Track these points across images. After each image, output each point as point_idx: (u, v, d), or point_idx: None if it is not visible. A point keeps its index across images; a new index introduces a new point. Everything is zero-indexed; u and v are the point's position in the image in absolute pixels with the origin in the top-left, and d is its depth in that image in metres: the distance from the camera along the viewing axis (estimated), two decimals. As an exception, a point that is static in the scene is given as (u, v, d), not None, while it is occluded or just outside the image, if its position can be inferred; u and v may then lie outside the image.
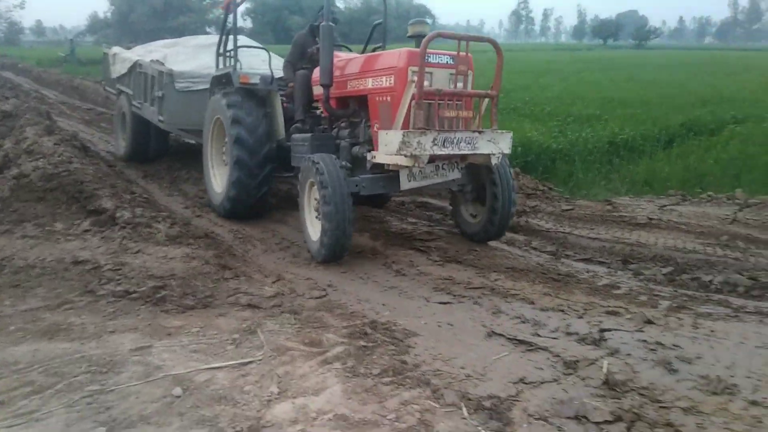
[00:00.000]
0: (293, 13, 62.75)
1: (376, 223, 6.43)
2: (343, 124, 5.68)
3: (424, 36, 4.72)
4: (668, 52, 49.50)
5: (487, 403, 2.54)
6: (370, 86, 4.96)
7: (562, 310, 3.75)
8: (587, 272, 4.75)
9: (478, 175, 5.37)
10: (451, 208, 6.00)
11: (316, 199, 4.93)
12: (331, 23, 5.32)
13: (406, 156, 4.31)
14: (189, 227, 6.16)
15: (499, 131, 4.70)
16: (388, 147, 4.46)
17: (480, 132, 4.57)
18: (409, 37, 5.11)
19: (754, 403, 2.55)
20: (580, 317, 3.62)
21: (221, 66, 7.10)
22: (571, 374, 2.83)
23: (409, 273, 4.68)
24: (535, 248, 5.57)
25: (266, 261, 5.09)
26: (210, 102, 6.86)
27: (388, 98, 4.73)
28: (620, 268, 4.89)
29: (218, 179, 6.83)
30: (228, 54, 6.92)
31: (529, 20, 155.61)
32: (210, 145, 6.96)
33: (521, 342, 3.22)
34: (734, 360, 2.98)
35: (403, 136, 4.26)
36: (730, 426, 2.37)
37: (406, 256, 5.13)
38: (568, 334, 3.34)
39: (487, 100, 4.80)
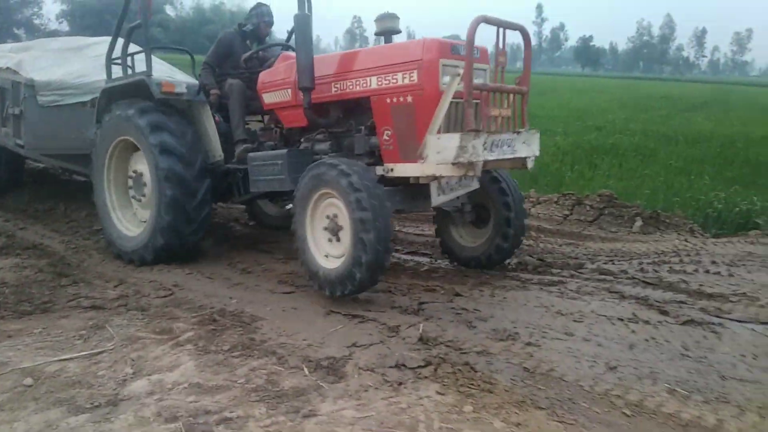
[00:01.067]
0: (117, 17, 58.28)
1: (220, 228, 6.63)
2: (319, 137, 4.67)
3: (395, 33, 4.48)
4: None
5: (324, 363, 3.00)
6: (374, 86, 4.07)
7: (390, 291, 4.34)
8: (413, 262, 5.45)
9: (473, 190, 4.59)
10: (436, 234, 5.22)
11: (328, 217, 3.97)
12: (307, 12, 4.32)
13: (462, 164, 3.59)
14: (14, 239, 5.87)
15: (531, 131, 4.08)
16: (442, 154, 3.64)
17: (518, 133, 3.95)
18: (376, 34, 4.62)
19: (528, 344, 3.31)
20: (404, 295, 4.24)
21: (118, 75, 5.57)
22: (393, 336, 3.39)
23: (254, 270, 5.00)
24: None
25: (106, 269, 5.08)
26: (108, 120, 5.30)
27: (409, 98, 3.89)
28: (440, 258, 5.66)
29: (126, 222, 5.43)
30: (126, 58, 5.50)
31: (363, 39, 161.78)
32: (106, 178, 5.46)
33: (354, 316, 3.73)
34: (517, 317, 3.77)
35: (461, 139, 3.56)
36: (510, 360, 3.08)
37: (252, 256, 5.45)
38: (393, 307, 3.93)
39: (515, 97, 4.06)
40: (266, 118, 5.60)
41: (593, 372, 2.93)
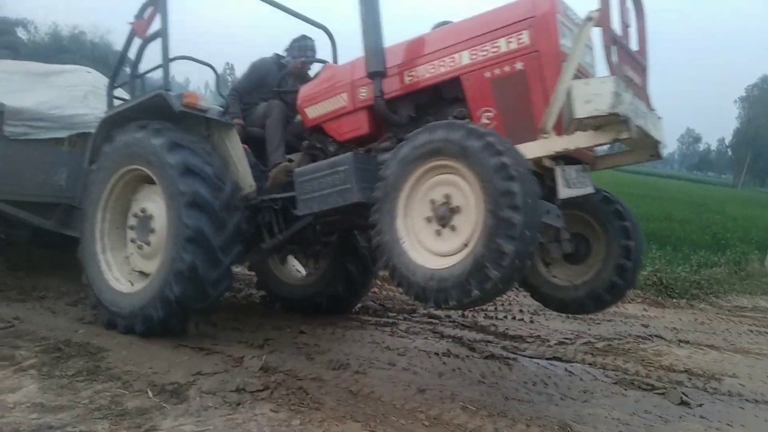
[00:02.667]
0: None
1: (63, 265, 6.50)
2: (385, 144, 3.80)
3: None
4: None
5: (169, 387, 3.26)
6: (466, 62, 3.42)
7: (239, 329, 4.66)
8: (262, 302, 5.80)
9: (572, 215, 3.70)
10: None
11: (433, 202, 3.06)
12: None
13: (619, 117, 2.82)
14: None
15: (654, 113, 3.30)
16: (593, 103, 2.83)
17: (652, 109, 3.27)
18: None
19: (357, 372, 3.82)
20: (252, 332, 4.59)
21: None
22: (237, 366, 3.72)
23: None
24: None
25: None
26: (109, 152, 4.46)
27: (519, 65, 3.23)
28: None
29: (117, 270, 4.48)
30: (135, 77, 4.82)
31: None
32: (102, 217, 4.56)
33: (202, 349, 4.00)
34: (351, 350, 4.28)
35: (616, 84, 2.81)
36: (339, 385, 3.55)
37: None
38: (240, 342, 4.26)
39: None
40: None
41: (406, 394, 3.49)
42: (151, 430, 2.73)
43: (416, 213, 3.13)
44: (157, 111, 4.30)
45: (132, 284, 4.39)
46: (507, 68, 3.29)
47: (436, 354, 4.34)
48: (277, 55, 5.16)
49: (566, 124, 3.09)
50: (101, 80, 6.15)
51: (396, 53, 3.71)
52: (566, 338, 5.15)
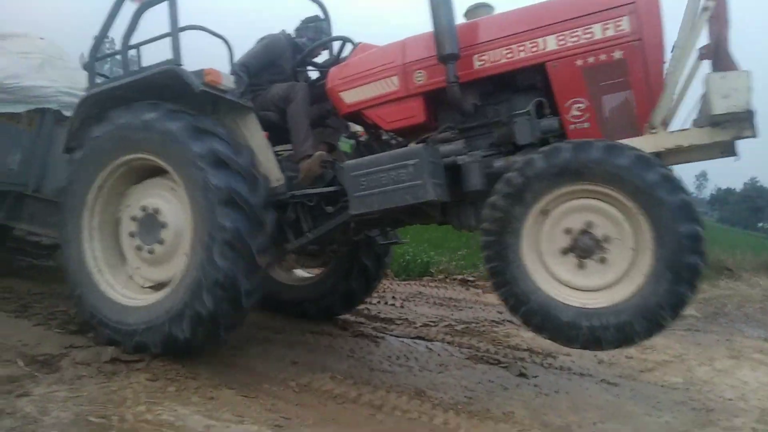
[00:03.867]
0: None
1: None
2: (445, 134, 3.46)
3: None
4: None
5: (40, 358, 3.28)
6: (552, 47, 3.16)
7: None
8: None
9: None
10: None
11: (569, 230, 2.81)
12: None
13: (751, 114, 2.69)
14: None
15: None
16: (731, 99, 2.63)
17: None
18: None
19: (234, 347, 4.02)
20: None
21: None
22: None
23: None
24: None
25: None
26: (99, 138, 3.69)
27: (617, 54, 3.03)
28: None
29: (114, 280, 3.73)
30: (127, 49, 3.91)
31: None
32: (88, 225, 3.76)
33: (73, 328, 4.00)
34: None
35: (749, 78, 2.64)
36: (214, 360, 3.74)
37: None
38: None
39: None
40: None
41: (279, 366, 3.76)
42: (23, 396, 2.78)
43: (547, 241, 2.85)
44: (155, 89, 3.66)
45: (136, 295, 3.68)
46: (603, 56, 3.05)
47: (311, 332, 4.65)
48: (288, 34, 4.62)
49: (664, 118, 2.95)
50: (56, 49, 5.37)
51: (467, 34, 3.36)
52: (431, 321, 5.67)
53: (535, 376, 4.35)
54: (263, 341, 4.27)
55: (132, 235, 3.69)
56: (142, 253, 3.65)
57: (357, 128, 4.22)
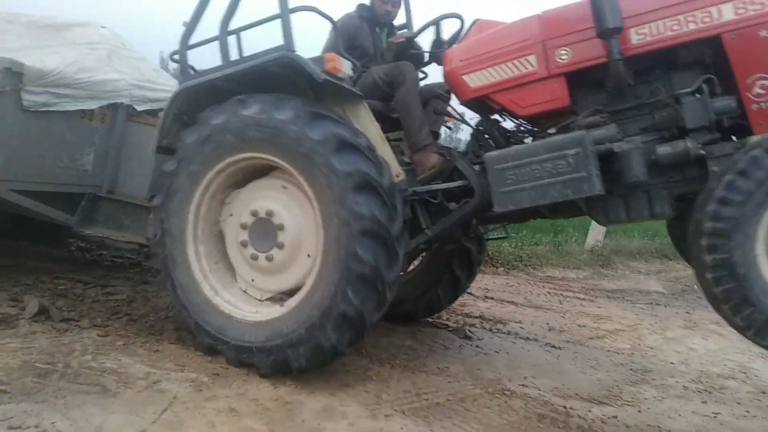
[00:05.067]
0: None
1: None
2: (593, 118, 3.06)
3: None
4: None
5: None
6: (729, 17, 2.82)
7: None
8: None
9: None
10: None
11: None
12: None
13: None
14: None
15: None
16: None
17: None
18: None
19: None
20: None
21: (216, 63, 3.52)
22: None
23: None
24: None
25: None
26: (205, 135, 3.28)
27: None
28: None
29: (229, 294, 3.39)
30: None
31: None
32: (193, 231, 3.41)
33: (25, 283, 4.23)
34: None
35: None
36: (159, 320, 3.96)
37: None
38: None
39: None
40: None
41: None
42: (-25, 346, 3.00)
43: None
44: (260, 80, 3.36)
45: (258, 309, 3.32)
46: None
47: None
48: (359, 7, 4.22)
49: None
50: (118, 39, 5.07)
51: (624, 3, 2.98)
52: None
53: (480, 339, 4.57)
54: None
55: (244, 244, 3.31)
56: (258, 262, 3.28)
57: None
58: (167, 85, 4.90)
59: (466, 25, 3.78)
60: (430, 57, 3.97)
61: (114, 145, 4.50)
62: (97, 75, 4.43)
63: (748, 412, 3.95)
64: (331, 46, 3.73)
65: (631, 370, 4.51)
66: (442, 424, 2.84)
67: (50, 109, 4.11)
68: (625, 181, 2.86)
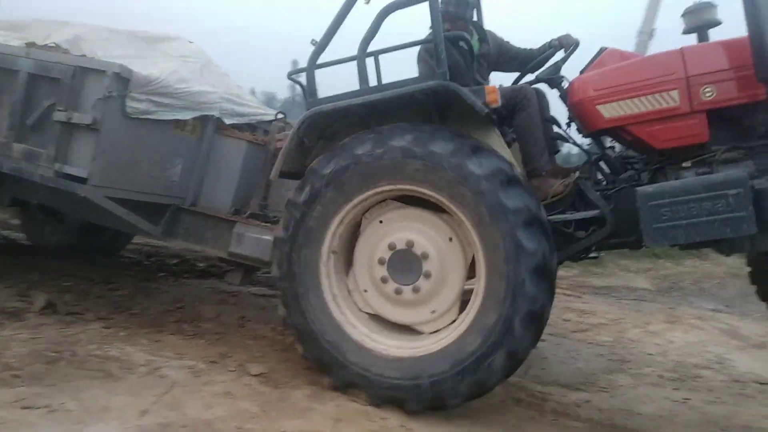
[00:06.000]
0: None
1: None
2: (730, 154, 3.17)
3: (713, 26, 3.43)
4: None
5: (9, 309, 3.72)
6: None
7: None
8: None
9: None
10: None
11: None
12: None
13: None
14: None
15: None
16: None
17: None
18: (686, 32, 3.58)
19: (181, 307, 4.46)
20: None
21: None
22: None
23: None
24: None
25: None
26: (351, 162, 3.18)
27: None
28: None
29: (365, 327, 3.29)
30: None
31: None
32: (324, 264, 3.32)
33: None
34: (181, 293, 4.91)
35: None
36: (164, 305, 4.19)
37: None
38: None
39: None
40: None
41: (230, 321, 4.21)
42: (-11, 336, 3.22)
43: None
44: (390, 109, 3.29)
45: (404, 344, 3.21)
46: None
47: (263, 296, 5.09)
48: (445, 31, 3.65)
49: None
50: (205, 54, 5.13)
51: (738, 51, 3.10)
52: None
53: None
54: (218, 302, 4.71)
55: (385, 280, 3.23)
56: (395, 294, 3.22)
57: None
58: (251, 102, 5.01)
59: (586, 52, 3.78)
60: (546, 82, 3.85)
61: (201, 157, 4.50)
62: (194, 86, 4.41)
63: (718, 398, 4.16)
64: (428, 71, 3.58)
65: (609, 360, 4.73)
66: (422, 406, 3.05)
67: (150, 117, 4.09)
68: (762, 218, 2.87)
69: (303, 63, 3.58)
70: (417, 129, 3.13)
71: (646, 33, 9.37)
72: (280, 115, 4.67)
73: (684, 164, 3.27)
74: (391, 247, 3.23)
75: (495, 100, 3.18)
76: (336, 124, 3.45)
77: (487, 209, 2.95)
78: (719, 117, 3.17)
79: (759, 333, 6.58)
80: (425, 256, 3.17)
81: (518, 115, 3.54)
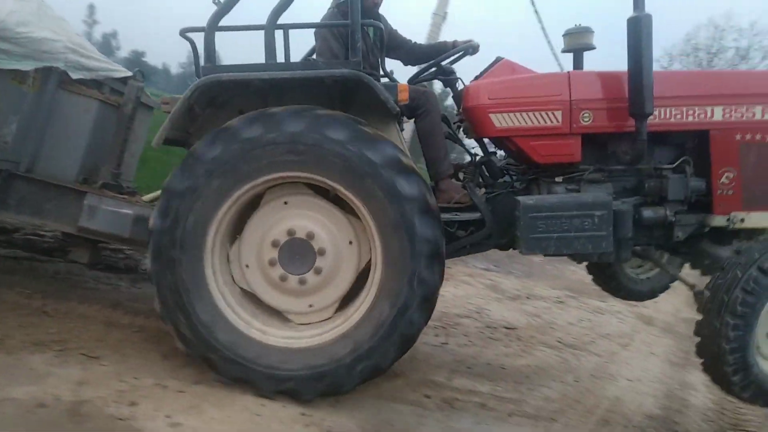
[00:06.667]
0: None
1: None
2: (595, 175, 3.54)
3: (588, 49, 3.82)
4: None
5: None
6: (718, 118, 3.46)
7: None
8: None
9: None
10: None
11: None
12: (647, 13, 3.27)
13: None
14: None
15: None
16: None
17: None
18: (564, 51, 3.98)
19: None
20: None
21: None
22: None
23: None
24: None
25: None
26: (234, 145, 3.02)
27: None
28: None
29: (251, 317, 3.24)
30: None
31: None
32: (209, 255, 3.15)
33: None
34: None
35: None
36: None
37: None
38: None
39: None
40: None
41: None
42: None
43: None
44: (293, 87, 3.23)
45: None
46: (758, 136, 3.47)
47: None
48: (339, 3, 3.85)
49: None
50: None
51: (615, 84, 3.51)
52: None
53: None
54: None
55: (273, 262, 3.19)
56: (284, 282, 3.21)
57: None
58: (98, 55, 4.29)
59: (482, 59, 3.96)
60: (443, 80, 4.00)
61: (41, 115, 3.82)
62: (35, 31, 3.72)
63: (470, 341, 4.72)
64: (327, 51, 3.66)
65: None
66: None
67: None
68: (617, 236, 3.27)
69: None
70: (310, 114, 3.07)
71: (440, 15, 10.16)
72: (135, 73, 4.20)
73: (557, 179, 3.62)
74: (290, 233, 3.18)
75: (405, 99, 3.26)
76: (229, 94, 3.32)
77: (386, 197, 3.00)
78: (591, 140, 3.54)
79: (516, 287, 7.61)
80: (321, 252, 3.18)
81: (422, 119, 3.62)
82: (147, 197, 4.10)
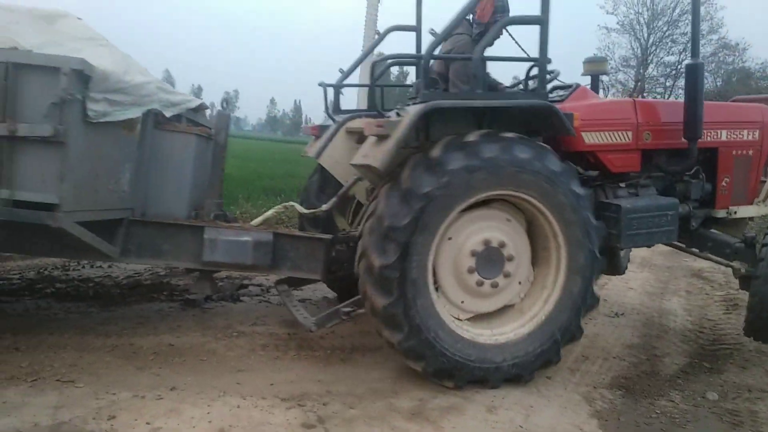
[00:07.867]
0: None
1: None
2: (645, 181, 4.37)
3: (604, 74, 4.86)
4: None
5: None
6: (724, 138, 4.55)
7: None
8: None
9: None
10: None
11: None
12: (700, 61, 4.22)
13: None
14: None
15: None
16: None
17: None
18: (583, 75, 5.03)
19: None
20: None
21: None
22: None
23: None
24: None
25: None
26: (482, 162, 3.37)
27: (750, 152, 4.64)
28: None
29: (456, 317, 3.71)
30: None
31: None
32: (431, 259, 3.51)
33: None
34: None
35: None
36: None
37: None
38: None
39: None
40: None
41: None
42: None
43: None
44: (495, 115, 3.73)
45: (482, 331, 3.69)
46: (744, 152, 4.62)
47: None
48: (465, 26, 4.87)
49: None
50: (92, 30, 4.18)
51: (665, 112, 4.35)
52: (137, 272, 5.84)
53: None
54: None
55: (472, 270, 3.64)
56: (478, 287, 3.65)
57: None
58: (176, 89, 4.34)
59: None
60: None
61: (146, 158, 3.86)
62: (135, 77, 3.75)
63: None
64: (464, 76, 4.45)
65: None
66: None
67: (107, 119, 3.45)
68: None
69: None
70: (530, 143, 3.57)
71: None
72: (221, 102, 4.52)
73: (621, 184, 4.32)
74: (486, 243, 3.64)
75: (579, 127, 3.90)
76: (438, 122, 3.63)
77: (579, 222, 3.64)
78: (645, 154, 4.30)
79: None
80: (510, 258, 3.72)
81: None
82: (255, 222, 4.25)
